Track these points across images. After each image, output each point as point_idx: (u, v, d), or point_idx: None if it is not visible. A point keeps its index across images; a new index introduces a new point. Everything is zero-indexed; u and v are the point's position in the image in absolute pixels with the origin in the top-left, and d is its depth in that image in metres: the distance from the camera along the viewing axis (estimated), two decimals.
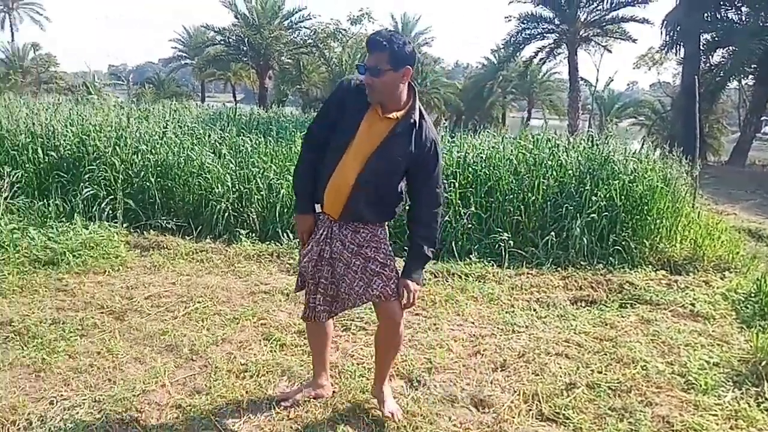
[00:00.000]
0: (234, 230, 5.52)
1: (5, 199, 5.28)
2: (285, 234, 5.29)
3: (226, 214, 5.56)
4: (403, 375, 3.03)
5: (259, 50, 23.51)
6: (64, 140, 6.16)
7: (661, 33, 19.44)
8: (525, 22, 22.18)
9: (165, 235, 5.34)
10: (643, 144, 10.46)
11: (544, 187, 5.29)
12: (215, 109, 12.96)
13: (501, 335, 3.60)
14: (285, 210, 5.54)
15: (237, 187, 5.74)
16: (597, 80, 34.12)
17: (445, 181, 4.17)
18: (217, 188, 5.65)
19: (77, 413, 2.52)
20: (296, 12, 24.27)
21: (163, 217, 5.53)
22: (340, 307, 2.55)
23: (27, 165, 5.97)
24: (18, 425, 2.46)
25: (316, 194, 2.41)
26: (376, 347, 2.61)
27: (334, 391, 2.80)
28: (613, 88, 39.24)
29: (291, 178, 5.69)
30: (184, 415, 2.58)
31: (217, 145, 6.50)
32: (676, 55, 20.80)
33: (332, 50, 22.64)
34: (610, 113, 35.51)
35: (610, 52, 24.70)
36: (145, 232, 5.41)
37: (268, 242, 5.26)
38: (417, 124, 2.29)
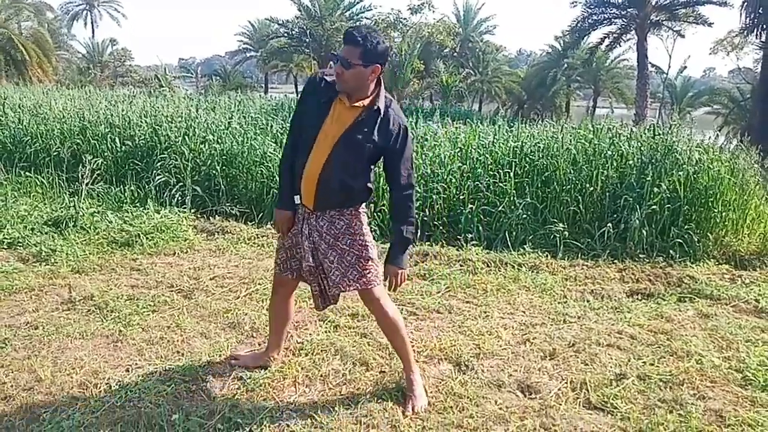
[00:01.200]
0: None
1: (86, 185, 5.71)
2: None
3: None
4: (452, 359, 3.10)
5: (321, 41, 23.94)
6: (139, 130, 6.58)
7: (741, 15, 18.28)
8: (591, 6, 21.41)
9: (229, 221, 5.63)
10: (718, 135, 9.95)
11: (603, 178, 5.18)
12: (277, 100, 13.36)
13: (552, 325, 3.60)
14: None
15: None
16: (669, 67, 32.50)
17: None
18: (278, 177, 5.87)
19: (150, 381, 2.75)
20: (356, 3, 24.53)
21: (228, 204, 5.82)
22: (329, 299, 2.71)
23: (106, 153, 6.43)
24: (99, 388, 2.73)
25: (294, 187, 2.52)
26: (386, 337, 2.77)
27: (383, 371, 2.92)
28: (687, 75, 37.24)
29: None
30: (244, 387, 2.76)
31: (279, 135, 6.73)
32: (757, 38, 19.50)
33: (392, 40, 22.72)
34: (683, 102, 33.74)
35: (682, 37, 23.49)
36: (210, 218, 5.72)
37: None
38: (382, 112, 2.40)
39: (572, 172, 5.31)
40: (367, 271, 2.53)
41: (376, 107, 2.39)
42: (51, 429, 2.39)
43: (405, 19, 22.70)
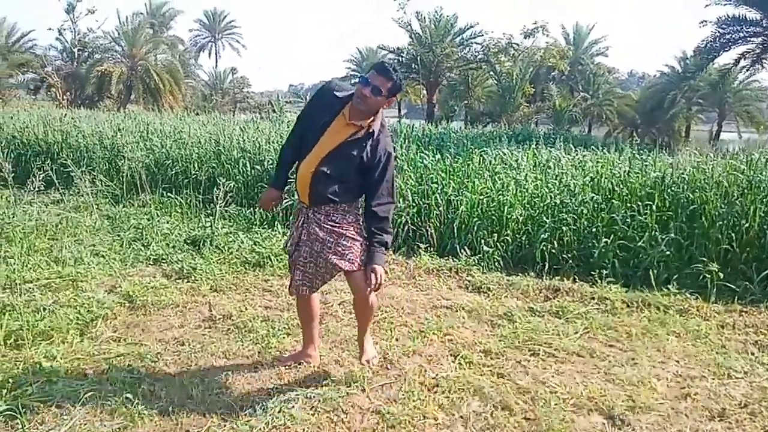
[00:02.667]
0: (413, 243, 5.70)
1: (220, 206, 6.05)
2: (463, 250, 5.32)
3: (406, 228, 5.76)
4: (603, 411, 2.84)
5: (430, 67, 24.25)
6: (268, 155, 6.90)
7: None
8: (724, 26, 19.80)
9: None
10: None
11: (762, 214, 4.64)
12: (389, 125, 13.58)
13: (714, 379, 3.21)
14: (463, 226, 5.58)
15: (417, 202, 5.92)
16: None
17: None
18: (399, 203, 5.88)
19: (292, 407, 2.77)
20: (468, 29, 24.61)
21: None
22: (320, 281, 2.99)
23: (237, 177, 6.80)
24: (245, 411, 2.78)
25: (287, 176, 3.02)
26: (355, 314, 3.26)
27: (527, 417, 2.72)
28: None
29: (468, 194, 5.76)
30: (384, 422, 2.70)
31: (399, 160, 6.77)
32: None
33: (502, 64, 22.48)
34: None
35: None
36: None
37: (446, 257, 5.34)
38: (375, 135, 2.72)
39: (724, 206, 4.81)
40: (359, 256, 2.86)
41: (371, 130, 2.71)
42: None
43: (517, 44, 22.39)
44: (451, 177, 6.24)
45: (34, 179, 5.82)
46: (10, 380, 2.89)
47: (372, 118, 2.72)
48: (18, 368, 3.03)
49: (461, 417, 2.75)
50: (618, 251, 4.88)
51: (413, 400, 2.88)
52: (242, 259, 5.13)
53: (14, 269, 4.34)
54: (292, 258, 2.98)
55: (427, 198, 5.96)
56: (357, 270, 2.86)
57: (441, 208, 5.79)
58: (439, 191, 5.94)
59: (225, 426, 2.64)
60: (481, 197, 5.76)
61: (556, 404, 2.87)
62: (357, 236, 2.86)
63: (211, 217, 5.95)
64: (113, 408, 2.75)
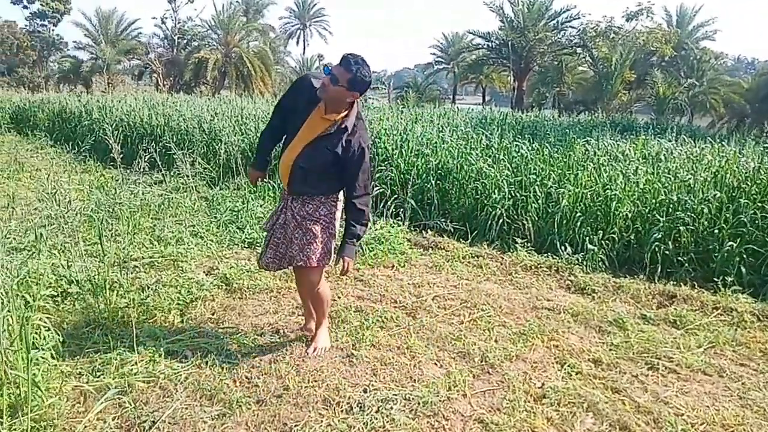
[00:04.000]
0: (507, 237, 5.42)
1: None
2: (563, 247, 4.98)
3: (501, 220, 5.48)
4: None
5: (521, 53, 23.30)
6: None
7: None
8: None
9: (442, 236, 5.51)
10: None
11: None
12: (476, 112, 13.18)
13: None
14: (564, 221, 5.22)
15: (513, 194, 5.62)
16: None
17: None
18: (494, 194, 5.61)
19: (391, 408, 2.64)
20: (564, 11, 23.34)
21: (441, 219, 5.71)
22: (286, 263, 3.08)
23: None
24: (341, 406, 2.69)
25: (267, 156, 3.20)
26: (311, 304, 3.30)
27: None
28: None
29: (571, 187, 5.38)
30: (487, 431, 2.51)
31: (493, 149, 6.47)
32: None
33: (599, 49, 21.14)
34: None
35: None
36: (423, 232, 5.66)
37: (544, 254, 5.02)
38: (349, 130, 2.78)
39: None
40: (318, 252, 2.93)
41: (344, 125, 2.78)
42: None
43: (619, 27, 20.91)
44: (551, 168, 5.87)
45: (139, 160, 6.07)
46: (118, 357, 2.97)
47: (346, 113, 2.79)
48: (125, 345, 3.11)
49: None
50: (745, 256, 4.36)
51: (519, 411, 2.66)
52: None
53: (122, 247, 4.53)
54: (268, 237, 3.12)
55: (524, 190, 5.64)
56: (307, 267, 2.96)
57: (540, 201, 5.45)
58: (538, 183, 5.60)
59: (322, 422, 2.56)
60: (585, 191, 5.37)
61: (684, 429, 2.55)
62: (321, 233, 2.95)
63: None
64: (212, 393, 2.75)
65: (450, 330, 3.56)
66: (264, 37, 38.47)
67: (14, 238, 4.42)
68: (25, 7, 43.81)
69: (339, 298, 4.02)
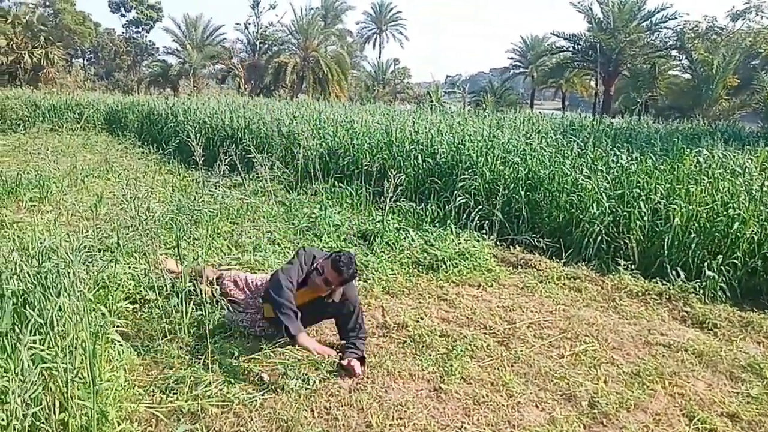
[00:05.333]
0: (606, 258, 4.89)
1: (390, 199, 5.77)
2: (674, 271, 4.40)
3: (599, 238, 4.95)
4: None
5: (610, 55, 21.99)
6: (441, 148, 6.49)
7: None
8: None
9: (533, 254, 5.06)
10: None
11: None
12: (561, 117, 12.48)
13: None
14: (676, 242, 4.63)
15: (613, 209, 5.07)
16: None
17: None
18: (591, 208, 5.09)
19: None
20: (659, 11, 21.78)
21: (531, 234, 5.26)
22: None
23: (408, 170, 6.48)
24: None
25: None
26: None
27: None
28: None
29: (682, 203, 4.77)
30: None
31: (588, 158, 5.93)
32: None
33: (698, 51, 19.54)
34: None
35: None
36: (511, 247, 5.23)
37: (652, 279, 4.46)
38: (337, 302, 3.21)
39: None
40: None
41: (332, 300, 3.20)
42: None
43: (722, 27, 19.19)
44: (657, 181, 5.27)
45: (220, 163, 6.03)
46: (192, 376, 2.79)
47: (327, 293, 3.19)
48: (199, 360, 2.93)
49: None
50: None
51: None
52: (414, 259, 4.76)
53: (201, 253, 4.43)
54: None
55: (626, 205, 5.08)
56: None
57: (645, 218, 4.88)
58: (643, 197, 5.03)
59: None
60: (701, 208, 4.74)
61: None
62: None
63: (381, 211, 5.69)
64: (289, 425, 2.50)
65: (550, 365, 3.13)
66: (341, 42, 38.98)
67: (97, 239, 4.42)
68: (122, 15, 46.91)
69: (422, 319, 3.69)
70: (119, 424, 2.26)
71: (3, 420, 1.79)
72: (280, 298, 2.99)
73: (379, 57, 54.22)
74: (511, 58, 43.81)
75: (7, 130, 13.78)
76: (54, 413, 1.89)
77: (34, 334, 1.90)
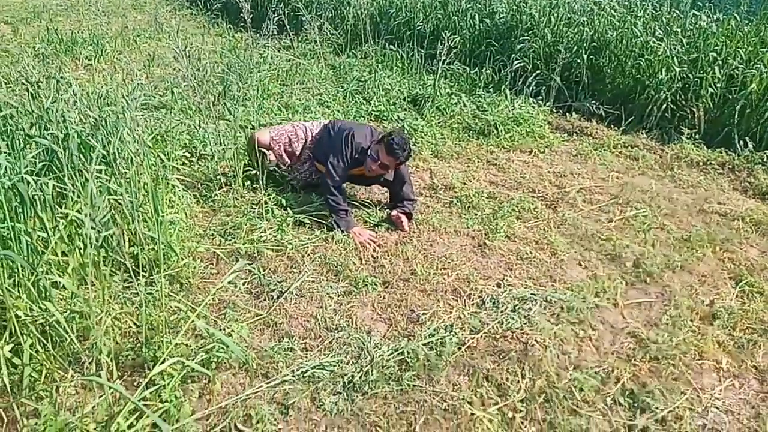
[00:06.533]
0: (669, 127, 4.64)
1: (443, 62, 5.52)
2: (743, 141, 4.15)
3: (664, 106, 4.66)
4: None
5: None
6: (500, 7, 6.04)
7: None
8: None
9: (590, 121, 4.84)
10: None
11: None
12: None
13: None
14: (748, 110, 4.31)
15: (684, 75, 4.70)
16: None
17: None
18: (660, 73, 4.72)
19: (529, 308, 2.37)
20: None
21: (590, 101, 4.99)
22: None
23: (464, 31, 6.12)
24: (472, 299, 2.47)
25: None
26: None
27: None
28: None
29: (762, 68, 4.37)
30: (642, 350, 2.17)
31: (663, 19, 5.39)
32: None
33: None
34: None
35: None
36: (567, 114, 5.02)
37: (716, 148, 4.23)
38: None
39: None
40: None
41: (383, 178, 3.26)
42: (429, 336, 2.21)
43: None
44: (738, 44, 4.78)
45: (268, 22, 5.86)
46: (248, 223, 2.95)
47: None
48: (253, 212, 3.08)
49: (755, 369, 2.10)
50: None
51: (682, 330, 2.28)
52: (465, 125, 4.66)
53: (251, 111, 4.46)
54: None
55: (699, 70, 4.69)
56: None
57: (718, 85, 4.52)
58: (719, 62, 4.61)
59: (451, 313, 2.37)
60: None
61: None
62: None
63: (433, 75, 5.49)
64: (338, 269, 2.65)
65: (597, 228, 3.13)
66: None
67: (152, 96, 4.50)
68: None
69: (469, 181, 3.69)
70: (183, 259, 2.45)
71: (81, 244, 1.97)
72: (333, 198, 3.02)
73: None
74: None
75: None
76: (124, 244, 2.06)
77: (98, 167, 2.02)
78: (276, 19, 6.13)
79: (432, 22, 6.42)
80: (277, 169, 3.45)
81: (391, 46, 6.43)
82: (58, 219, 2.01)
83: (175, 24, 8.30)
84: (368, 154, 3.09)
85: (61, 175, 2.03)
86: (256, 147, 3.32)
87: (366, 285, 2.54)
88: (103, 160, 2.26)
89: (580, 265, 2.78)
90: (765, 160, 3.95)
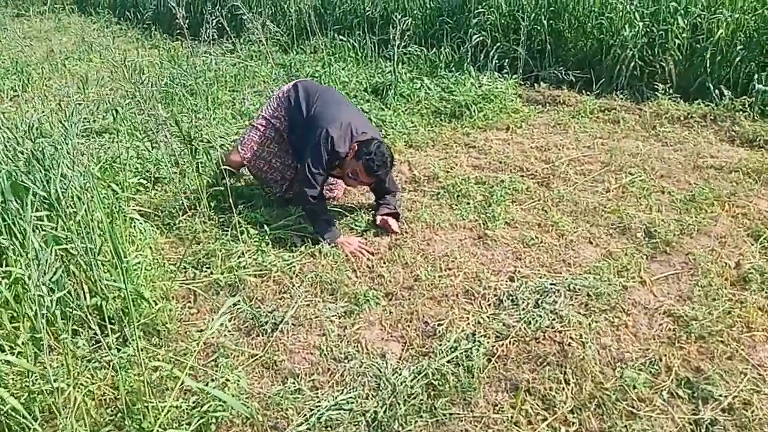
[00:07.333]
0: (640, 85, 4.51)
1: (398, 47, 5.25)
2: (718, 90, 4.05)
3: (632, 63, 4.52)
4: None
5: None
6: None
7: None
8: None
9: (560, 89, 4.66)
10: None
11: None
12: None
13: None
14: (719, 58, 4.21)
15: (647, 29, 4.57)
16: None
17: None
18: (624, 31, 4.58)
19: (554, 301, 2.14)
20: None
21: (558, 67, 4.82)
22: None
23: (415, 12, 5.86)
24: (488, 299, 2.23)
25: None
26: None
27: None
28: None
29: (726, 12, 4.27)
30: (685, 330, 1.98)
31: None
32: None
33: None
34: None
35: None
36: (536, 85, 4.83)
37: (693, 100, 4.12)
38: None
39: None
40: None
41: None
42: (452, 350, 1.96)
43: None
44: None
45: (207, 26, 5.45)
46: (223, 249, 2.63)
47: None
48: (227, 233, 2.75)
49: None
50: None
51: (719, 300, 2.10)
52: (433, 109, 4.41)
53: (204, 124, 4.10)
54: None
55: (661, 23, 4.56)
56: None
57: (684, 35, 4.40)
58: (681, 11, 4.49)
59: (469, 320, 2.12)
60: (747, 16, 4.24)
61: None
62: None
63: (390, 62, 5.21)
64: (333, 287, 2.36)
65: (597, 200, 2.94)
66: None
67: (93, 120, 4.09)
68: None
69: (452, 168, 3.45)
70: (157, 304, 2.12)
71: (30, 310, 1.63)
72: (312, 208, 2.70)
73: None
74: None
75: None
76: (84, 298, 1.73)
77: (38, 214, 1.67)
78: (214, 22, 5.71)
79: (380, 5, 6.13)
80: (268, 190, 3.12)
81: (341, 37, 6.11)
82: None
83: (104, 42, 7.76)
84: (347, 173, 2.74)
85: None
86: (229, 169, 2.98)
87: (368, 300, 2.27)
88: (44, 202, 1.90)
89: (591, 243, 2.58)
90: (745, 106, 3.85)
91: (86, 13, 12.12)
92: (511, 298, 2.20)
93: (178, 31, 6.39)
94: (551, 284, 2.23)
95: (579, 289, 2.18)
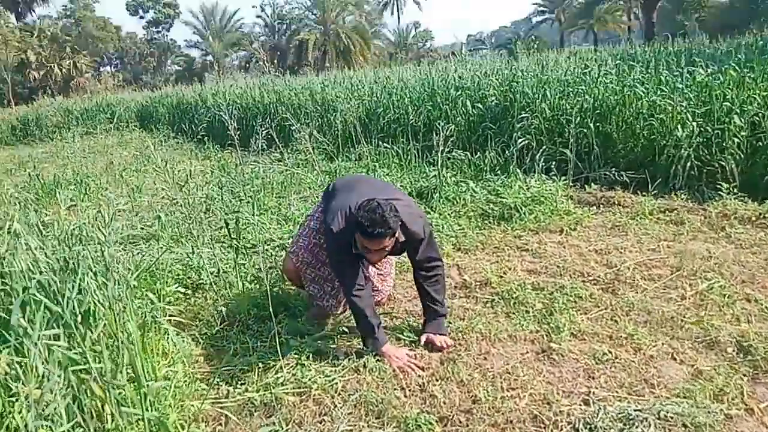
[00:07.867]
0: (698, 185, 4.30)
1: (442, 152, 5.25)
2: None
3: (688, 163, 4.34)
4: None
5: None
6: (492, 90, 5.90)
7: None
8: None
9: (613, 190, 4.48)
10: None
11: None
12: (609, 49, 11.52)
13: None
14: None
15: (701, 128, 4.43)
16: None
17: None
18: (676, 131, 4.45)
19: (640, 431, 1.80)
20: None
21: (610, 169, 4.67)
22: None
23: (458, 119, 5.94)
24: (560, 427, 1.91)
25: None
26: None
27: None
28: None
29: None
30: None
31: (662, 77, 5.22)
32: None
33: None
34: None
35: None
36: (586, 186, 4.67)
37: (763, 200, 3.84)
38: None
39: None
40: None
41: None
42: None
43: None
44: (750, 92, 4.56)
45: (257, 137, 5.65)
46: (260, 362, 2.42)
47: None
48: (265, 345, 2.56)
49: None
50: None
51: None
52: (480, 211, 4.28)
53: (250, 229, 4.06)
54: None
55: (716, 122, 4.42)
56: None
57: (743, 133, 4.23)
58: (736, 111, 4.36)
59: None
60: None
61: None
62: None
63: (433, 166, 5.19)
64: (380, 408, 2.09)
65: (674, 309, 2.63)
66: (359, 11, 37.95)
67: (139, 227, 4.11)
68: (141, 17, 47.08)
69: (505, 273, 3.22)
70: (183, 428, 1.89)
71: None
72: (353, 303, 2.44)
73: (399, 23, 52.89)
74: (536, 3, 41.81)
75: (44, 137, 13.86)
76: (99, 428, 1.53)
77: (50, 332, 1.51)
78: (264, 133, 5.94)
79: (423, 114, 6.27)
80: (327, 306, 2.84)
81: (385, 144, 6.21)
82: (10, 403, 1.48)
83: (161, 154, 8.17)
84: (361, 252, 2.41)
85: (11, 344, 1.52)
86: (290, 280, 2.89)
87: (419, 426, 1.98)
88: (61, 317, 1.75)
89: (675, 359, 2.25)
90: None
91: (147, 129, 13.04)
92: (588, 426, 1.87)
93: (229, 142, 6.67)
94: (636, 410, 1.89)
95: (671, 418, 1.84)
